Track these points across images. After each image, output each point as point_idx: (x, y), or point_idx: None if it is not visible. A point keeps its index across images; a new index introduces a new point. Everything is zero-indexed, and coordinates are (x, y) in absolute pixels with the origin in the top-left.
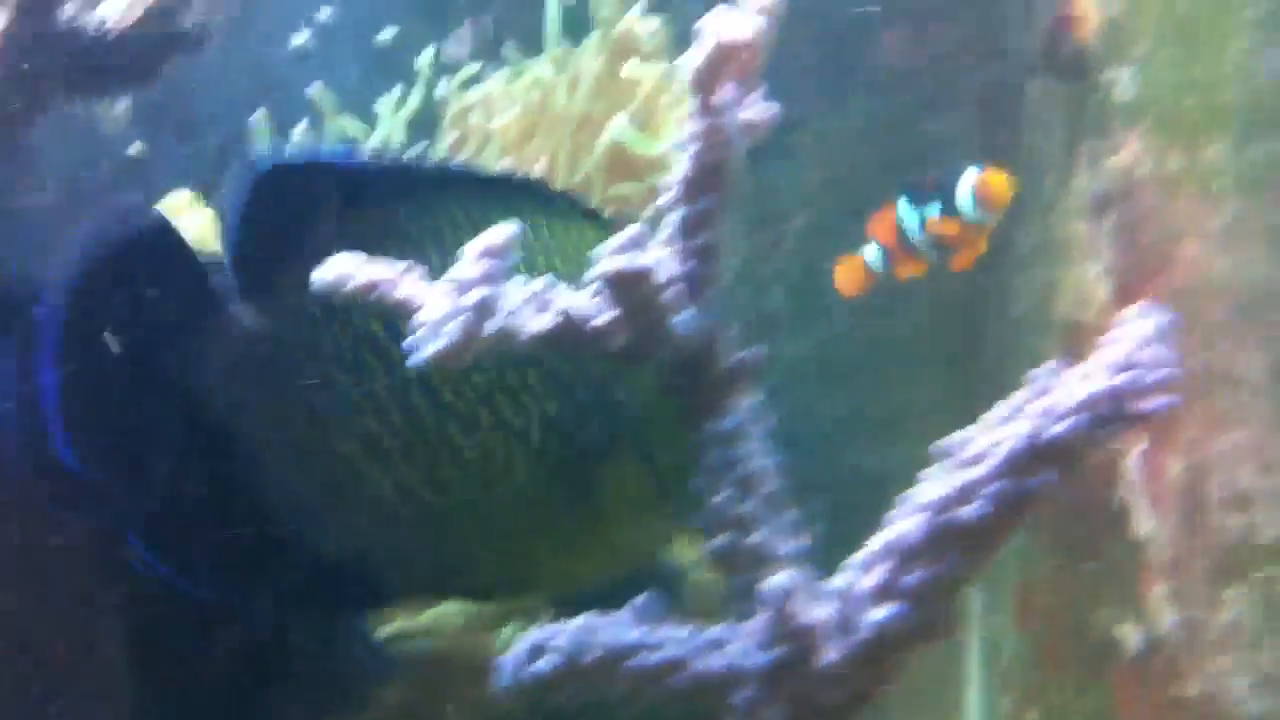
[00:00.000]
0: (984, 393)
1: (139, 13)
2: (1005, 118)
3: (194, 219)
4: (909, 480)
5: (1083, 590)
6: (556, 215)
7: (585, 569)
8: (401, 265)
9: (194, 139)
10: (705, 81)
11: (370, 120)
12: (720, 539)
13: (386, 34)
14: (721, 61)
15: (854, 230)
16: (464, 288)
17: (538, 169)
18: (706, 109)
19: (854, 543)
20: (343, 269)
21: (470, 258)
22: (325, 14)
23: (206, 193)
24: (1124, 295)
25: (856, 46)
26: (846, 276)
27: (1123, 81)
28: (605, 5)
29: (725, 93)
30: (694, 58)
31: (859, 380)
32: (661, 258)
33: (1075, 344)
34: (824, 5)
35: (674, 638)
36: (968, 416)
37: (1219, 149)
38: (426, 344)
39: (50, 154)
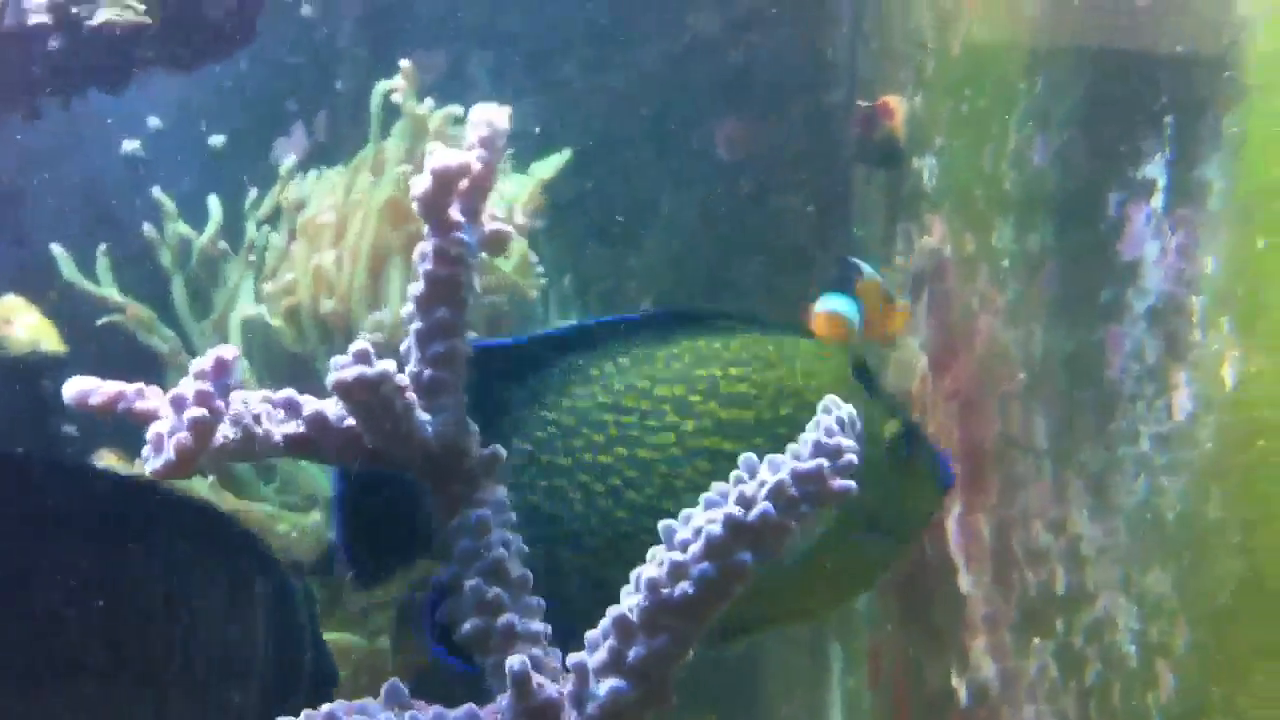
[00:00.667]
0: None
1: None
2: (835, 202)
3: (26, 321)
4: None
5: (920, 648)
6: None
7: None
8: (138, 385)
9: (26, 246)
10: (432, 205)
11: (202, 224)
12: (471, 622)
13: (217, 139)
14: (444, 188)
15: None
16: (180, 405)
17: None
18: (436, 230)
19: None
20: (81, 386)
21: (189, 378)
22: (155, 122)
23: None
24: (938, 367)
25: (691, 139)
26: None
27: (927, 169)
28: (409, 96)
29: (453, 214)
30: (419, 185)
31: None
32: (388, 368)
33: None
34: (658, 99)
35: (421, 718)
36: None
37: (1003, 232)
38: (152, 460)
39: None
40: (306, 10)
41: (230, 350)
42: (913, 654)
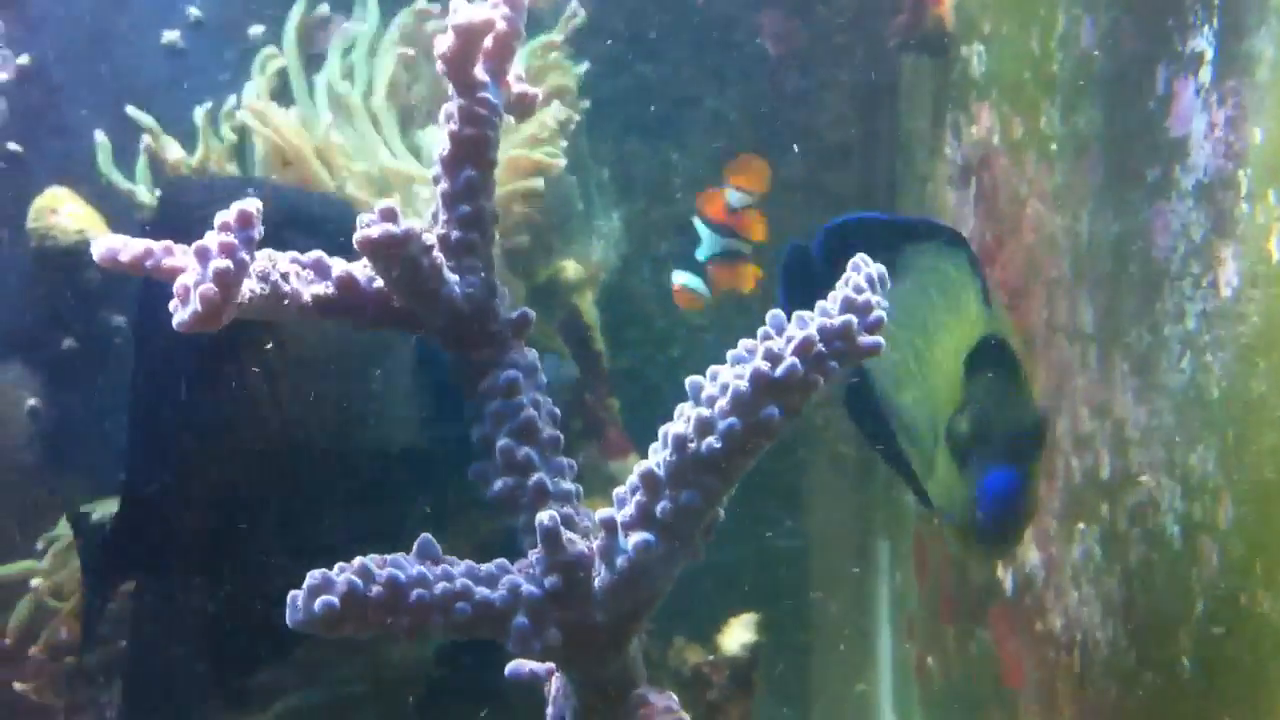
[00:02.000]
0: None
1: None
2: (882, 94)
3: (72, 210)
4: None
5: None
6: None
7: None
8: (165, 243)
9: (66, 137)
10: (457, 64)
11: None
12: (501, 481)
13: (256, 29)
14: (469, 46)
15: None
16: (205, 257)
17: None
18: (461, 89)
19: None
20: (110, 245)
21: (213, 231)
22: (194, 12)
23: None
24: (987, 257)
25: (734, 32)
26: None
27: (975, 56)
28: None
29: (478, 74)
30: (443, 43)
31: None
32: (415, 225)
33: None
34: None
35: (453, 572)
36: None
37: (1051, 115)
38: (179, 312)
39: None
40: None
41: (254, 203)
42: None
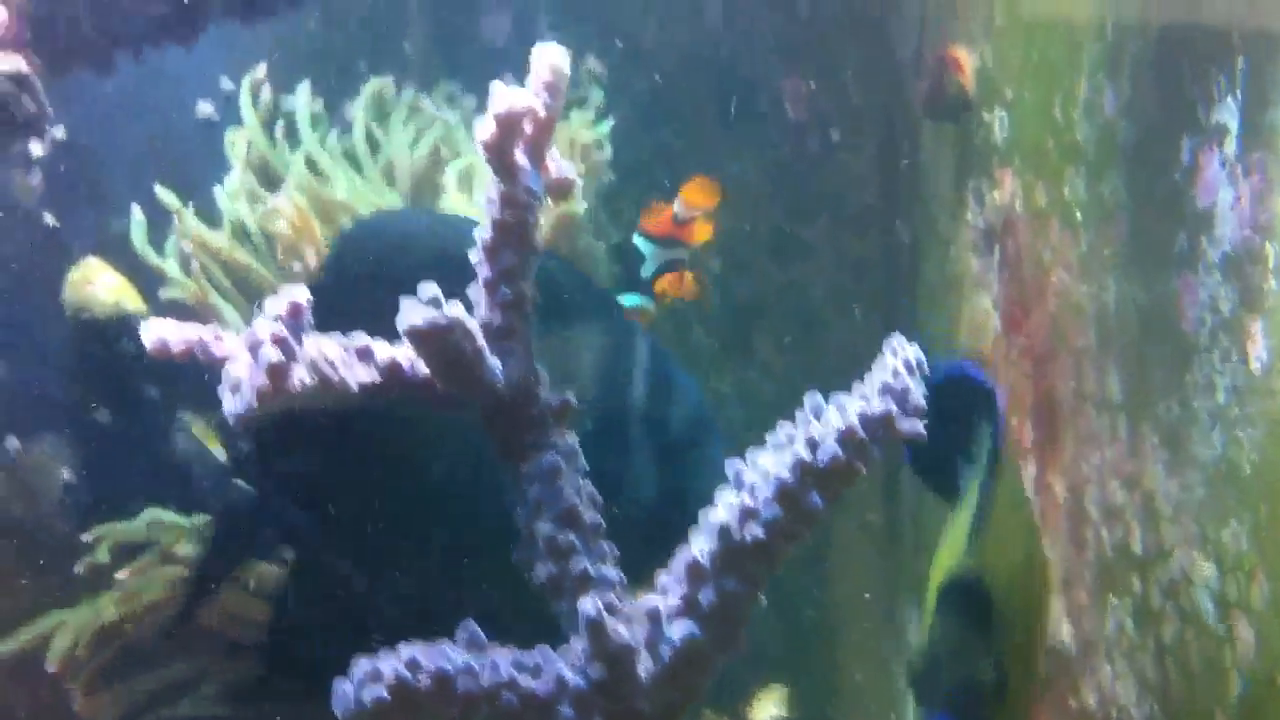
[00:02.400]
0: None
1: None
2: (902, 158)
3: (108, 281)
4: None
5: None
6: None
7: None
8: (214, 328)
9: (105, 210)
10: (497, 149)
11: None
12: (544, 568)
13: (289, 100)
14: (509, 132)
15: (771, 270)
16: (256, 348)
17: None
18: (501, 174)
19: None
20: (160, 332)
21: (263, 319)
22: (227, 84)
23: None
24: (1010, 325)
25: (757, 96)
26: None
27: (998, 122)
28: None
29: (518, 159)
30: (483, 130)
31: (781, 412)
32: (459, 314)
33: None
34: (722, 57)
35: (500, 661)
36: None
37: (1075, 184)
38: (229, 402)
39: None
40: None
41: (303, 292)
42: None
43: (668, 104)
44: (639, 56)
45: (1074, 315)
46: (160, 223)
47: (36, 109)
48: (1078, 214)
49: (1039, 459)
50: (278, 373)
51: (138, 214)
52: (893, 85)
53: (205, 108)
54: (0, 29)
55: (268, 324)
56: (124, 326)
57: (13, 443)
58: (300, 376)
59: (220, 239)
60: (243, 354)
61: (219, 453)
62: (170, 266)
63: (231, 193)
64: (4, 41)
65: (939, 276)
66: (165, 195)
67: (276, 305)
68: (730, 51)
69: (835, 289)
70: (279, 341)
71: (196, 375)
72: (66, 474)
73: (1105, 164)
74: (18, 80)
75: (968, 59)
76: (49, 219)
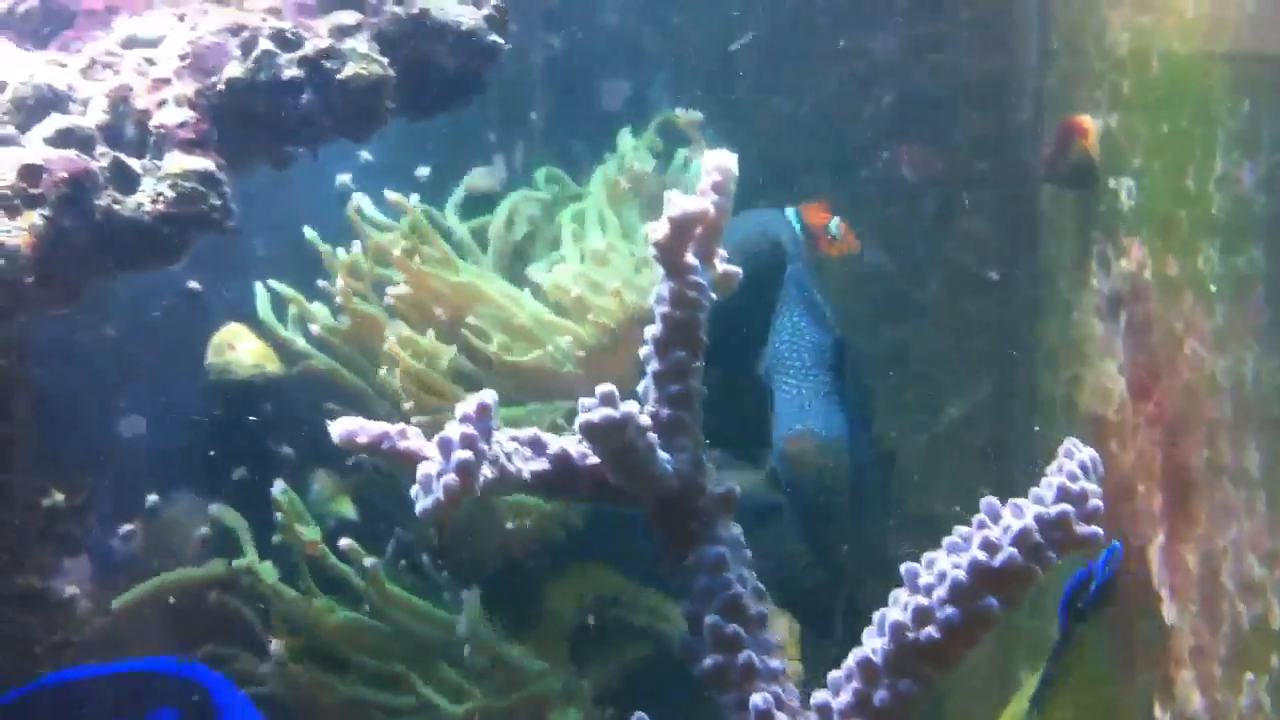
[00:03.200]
0: (1019, 486)
1: (171, 196)
2: (1021, 221)
3: (249, 345)
4: None
5: (1121, 678)
6: None
7: None
8: (400, 425)
9: (246, 277)
10: (670, 250)
11: None
12: (710, 659)
13: (423, 170)
14: (682, 234)
15: (885, 332)
16: (447, 449)
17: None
18: (674, 273)
19: None
20: (349, 427)
21: (455, 422)
22: (365, 155)
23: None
24: (1138, 392)
25: (873, 159)
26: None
27: (1124, 190)
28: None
29: (688, 259)
30: (658, 231)
31: (898, 474)
32: (632, 409)
33: (1100, 436)
34: (840, 120)
35: None
36: None
37: (1209, 255)
38: (421, 499)
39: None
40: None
41: (490, 395)
42: (1112, 673)
43: (782, 167)
44: (754, 120)
45: (1208, 387)
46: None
47: (222, 206)
48: (1212, 286)
49: (1169, 528)
50: (467, 472)
51: (261, 290)
52: (1011, 149)
53: (343, 177)
54: (189, 128)
55: (459, 426)
56: (264, 389)
57: (152, 498)
58: (485, 472)
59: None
60: (433, 452)
61: (347, 511)
62: (297, 341)
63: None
64: (191, 140)
65: (1059, 339)
66: (277, 287)
67: (467, 406)
68: (846, 115)
69: (950, 350)
70: (469, 443)
71: (329, 435)
72: (204, 530)
73: (1242, 237)
74: (206, 179)
75: (1092, 126)
76: (193, 284)
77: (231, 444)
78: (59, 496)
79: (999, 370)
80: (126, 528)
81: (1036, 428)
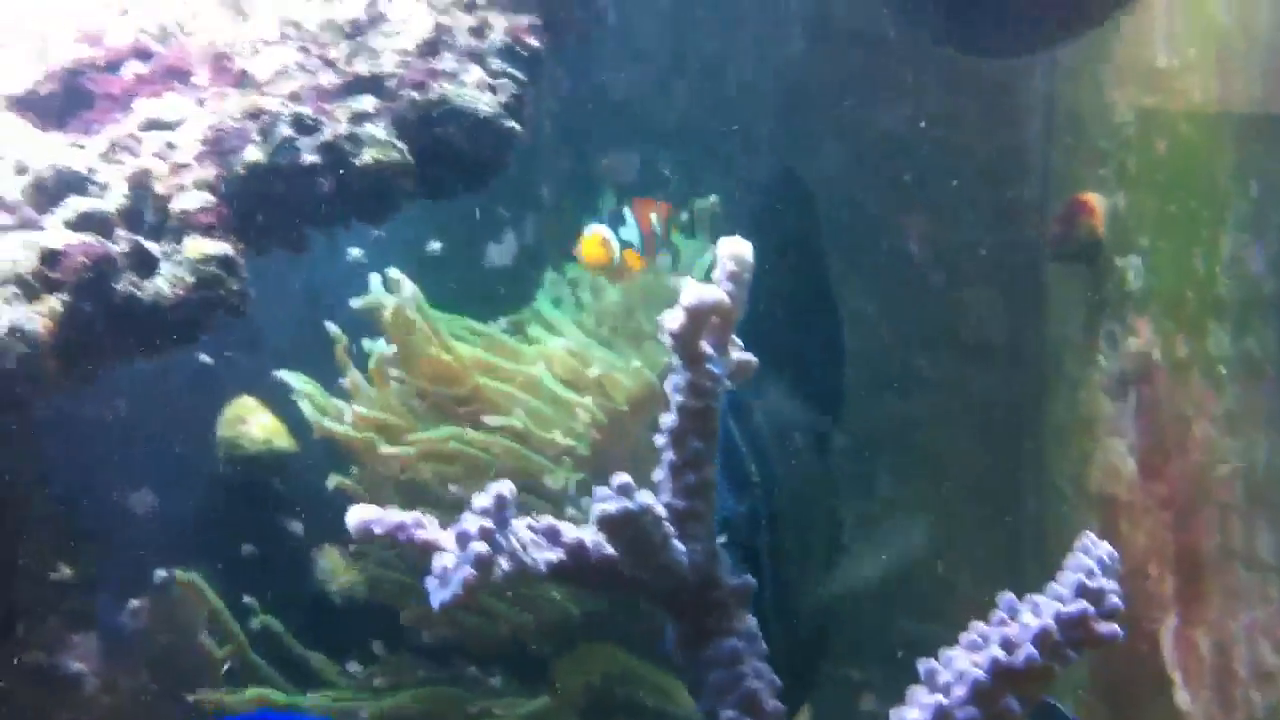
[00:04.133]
0: (1027, 565)
1: (191, 281)
2: (1027, 296)
3: (261, 420)
4: None
5: None
6: None
7: None
8: (415, 514)
9: (257, 351)
10: (685, 340)
11: None
12: None
13: (434, 245)
14: (697, 323)
15: (892, 405)
16: (465, 541)
17: None
18: (689, 363)
19: None
20: (365, 516)
21: (471, 515)
22: (375, 231)
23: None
24: (1148, 472)
25: (877, 234)
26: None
27: (1131, 269)
28: None
29: (703, 348)
30: (673, 320)
31: (901, 548)
32: (649, 501)
33: (1109, 516)
34: (844, 194)
35: None
36: (1013, 587)
37: (1219, 336)
38: (437, 592)
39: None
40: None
41: (508, 486)
42: None
43: (785, 238)
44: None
45: (1220, 470)
46: (312, 360)
47: (240, 290)
48: (1221, 368)
49: (1181, 611)
50: (484, 565)
51: (292, 380)
52: (1017, 225)
53: (355, 252)
54: (208, 213)
55: (475, 518)
56: (273, 464)
57: (161, 573)
58: (501, 565)
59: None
60: (450, 544)
61: (355, 587)
62: (327, 423)
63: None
64: (210, 225)
65: (1068, 416)
66: (288, 377)
67: (483, 499)
68: (852, 189)
69: (956, 424)
70: (486, 535)
71: (338, 512)
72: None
73: (1252, 318)
74: (225, 263)
75: (1099, 204)
76: (204, 357)
77: (240, 519)
78: (67, 571)
79: (1005, 445)
80: (135, 603)
81: (1043, 504)
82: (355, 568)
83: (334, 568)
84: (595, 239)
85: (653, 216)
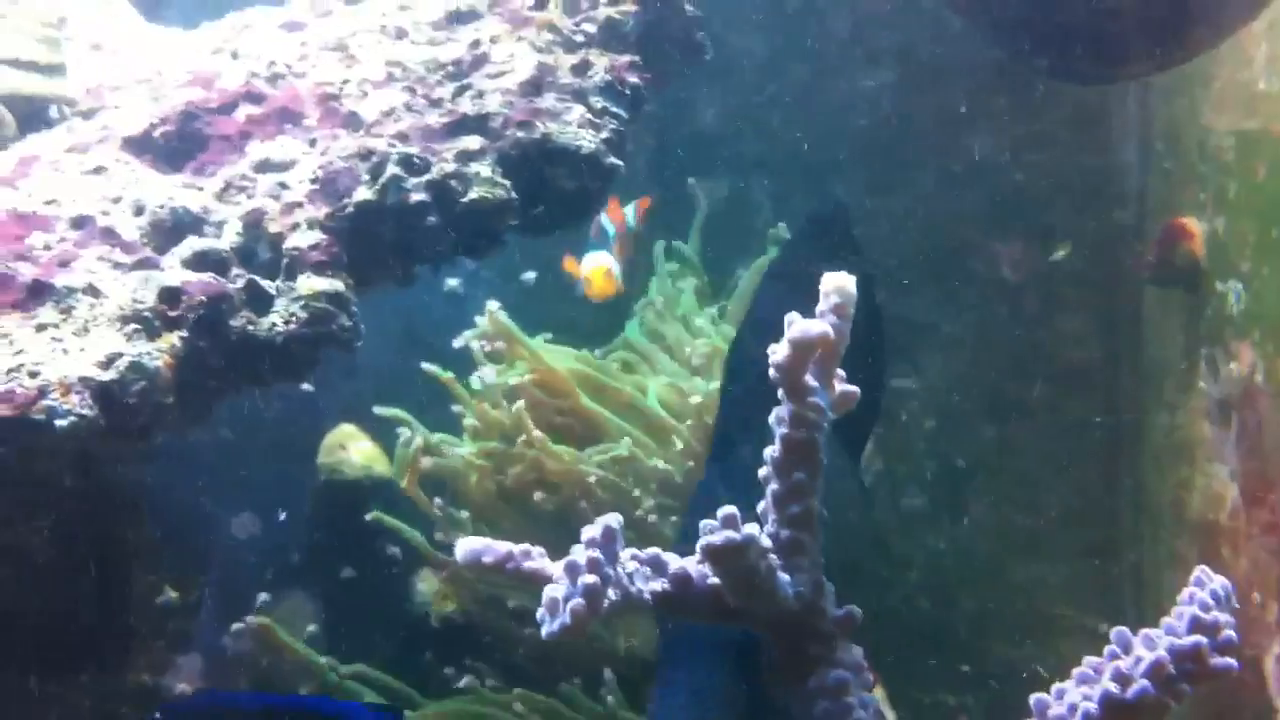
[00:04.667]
0: (1125, 589)
1: (304, 317)
2: (1124, 321)
3: (360, 446)
4: (1055, 678)
5: None
6: None
7: None
8: (524, 545)
9: (355, 378)
10: (791, 372)
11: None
12: None
13: (529, 275)
14: (802, 356)
15: (986, 431)
16: (574, 572)
17: None
18: (793, 395)
19: None
20: (474, 546)
21: (580, 546)
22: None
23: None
24: (1251, 499)
25: (972, 259)
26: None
27: (1232, 293)
28: None
29: (808, 380)
30: (778, 353)
31: (999, 576)
32: (754, 532)
33: (1210, 543)
34: (935, 217)
35: None
36: (1110, 614)
37: None
38: (548, 623)
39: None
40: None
41: (616, 519)
42: None
43: (880, 267)
44: (855, 223)
45: None
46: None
47: (351, 326)
48: None
49: None
50: (594, 596)
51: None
52: (1112, 249)
53: (452, 282)
54: (320, 250)
55: (585, 550)
56: (372, 489)
57: (263, 596)
58: (610, 595)
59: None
60: (560, 575)
61: (452, 611)
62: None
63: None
64: (322, 262)
65: (1166, 442)
66: (384, 411)
67: (592, 530)
68: (945, 214)
69: (1053, 451)
70: (595, 567)
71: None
72: (312, 627)
73: None
74: (336, 299)
75: (1197, 228)
76: (305, 386)
77: (340, 543)
78: (172, 594)
79: (1103, 471)
80: (237, 626)
81: (1142, 531)
82: (452, 592)
83: (431, 591)
84: (601, 270)
85: (627, 211)
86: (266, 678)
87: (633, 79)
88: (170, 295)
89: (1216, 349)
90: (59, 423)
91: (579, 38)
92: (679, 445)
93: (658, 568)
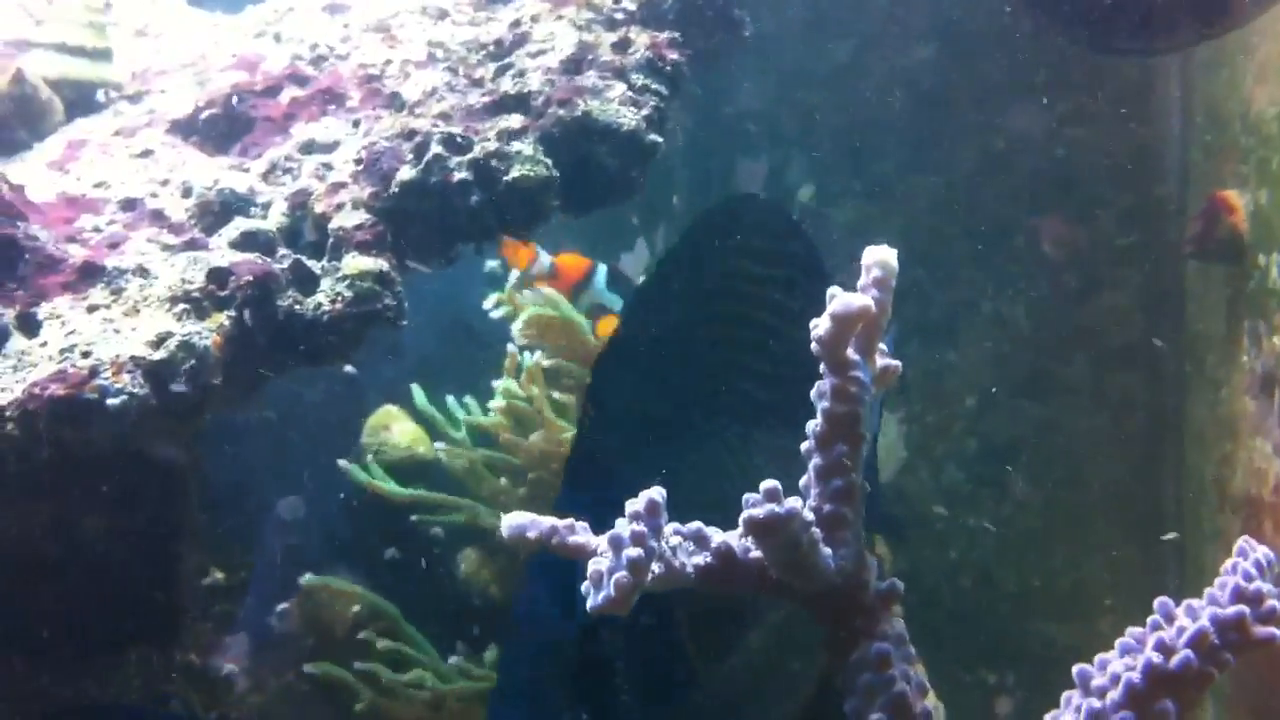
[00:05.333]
0: (1167, 568)
1: (349, 296)
2: (1166, 296)
3: (403, 427)
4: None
5: None
6: None
7: None
8: (569, 520)
9: (398, 359)
10: (831, 346)
11: None
12: None
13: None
14: (844, 330)
15: (1024, 408)
16: (619, 546)
17: None
18: (834, 369)
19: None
20: (518, 521)
21: (625, 519)
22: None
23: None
24: None
25: (1013, 235)
26: None
27: (1276, 267)
28: None
29: (850, 354)
30: (820, 327)
31: (1040, 552)
32: (796, 505)
33: (1253, 519)
34: (978, 196)
35: None
36: (1153, 591)
37: None
38: (593, 596)
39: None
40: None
41: (659, 492)
42: None
43: (920, 243)
44: (892, 198)
45: None
46: (452, 368)
47: (396, 305)
48: None
49: None
50: (638, 568)
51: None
52: (1154, 224)
53: (492, 263)
54: (365, 230)
55: (629, 523)
56: (415, 470)
57: (306, 576)
58: (654, 568)
59: None
60: (605, 548)
61: (495, 589)
62: (450, 434)
63: None
64: (367, 241)
65: (1209, 417)
66: (421, 401)
67: (636, 504)
68: (985, 191)
69: (1094, 427)
70: (639, 540)
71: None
72: (355, 608)
73: None
74: (381, 278)
75: (1240, 201)
76: (349, 367)
77: (383, 524)
78: (219, 575)
79: (1145, 447)
80: (282, 606)
81: (1184, 506)
82: (495, 569)
83: (474, 569)
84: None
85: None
86: (312, 657)
87: (673, 55)
88: (218, 276)
89: (1260, 322)
90: (111, 401)
91: (619, 15)
92: None
93: (701, 542)
